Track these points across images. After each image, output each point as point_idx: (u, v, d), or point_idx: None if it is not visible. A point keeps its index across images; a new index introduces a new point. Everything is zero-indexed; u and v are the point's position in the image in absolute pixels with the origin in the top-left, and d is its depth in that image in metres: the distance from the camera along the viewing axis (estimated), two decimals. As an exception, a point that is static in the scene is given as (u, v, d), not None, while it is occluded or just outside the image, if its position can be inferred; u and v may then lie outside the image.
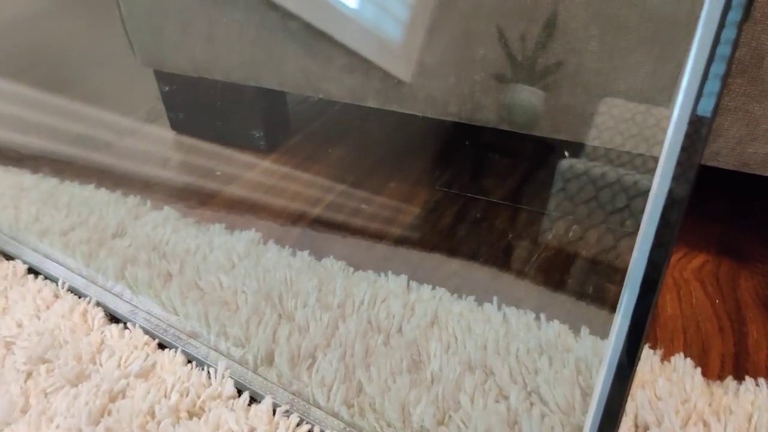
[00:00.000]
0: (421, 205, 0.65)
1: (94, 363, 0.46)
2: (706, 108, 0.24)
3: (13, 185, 0.72)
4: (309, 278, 0.53)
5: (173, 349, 0.47)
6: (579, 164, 0.60)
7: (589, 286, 0.53)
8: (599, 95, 0.49)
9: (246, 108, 0.76)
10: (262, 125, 0.77)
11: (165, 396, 0.43)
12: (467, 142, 0.76)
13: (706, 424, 0.39)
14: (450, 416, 0.40)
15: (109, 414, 0.42)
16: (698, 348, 0.46)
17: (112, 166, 0.77)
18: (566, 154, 0.59)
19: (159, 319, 0.50)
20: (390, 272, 0.53)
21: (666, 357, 0.44)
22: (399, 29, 0.56)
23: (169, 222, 0.63)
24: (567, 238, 0.59)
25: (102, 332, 0.49)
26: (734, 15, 0.23)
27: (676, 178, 0.25)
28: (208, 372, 0.44)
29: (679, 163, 0.25)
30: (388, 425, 0.40)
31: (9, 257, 0.60)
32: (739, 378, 0.42)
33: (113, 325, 0.50)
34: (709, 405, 0.40)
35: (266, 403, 0.42)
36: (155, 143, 0.83)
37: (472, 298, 0.50)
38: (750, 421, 0.39)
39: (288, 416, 0.41)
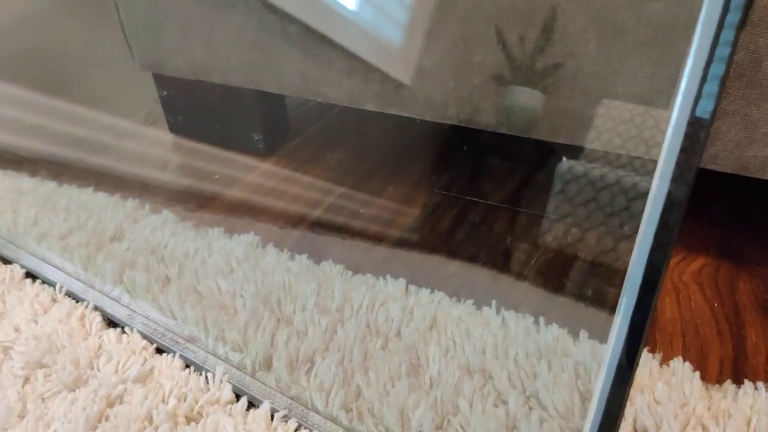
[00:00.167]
0: (419, 208, 0.65)
1: (92, 368, 0.46)
2: (705, 109, 0.24)
3: (11, 189, 0.71)
4: (307, 282, 0.53)
5: (171, 354, 0.47)
6: (578, 166, 0.59)
7: (587, 289, 0.53)
8: (597, 98, 0.49)
9: (245, 111, 0.76)
10: (261, 128, 0.77)
11: (163, 401, 0.43)
12: (466, 145, 0.76)
13: (704, 428, 0.39)
14: (449, 421, 0.40)
15: (107, 419, 0.42)
16: (697, 352, 0.46)
17: (110, 169, 0.77)
18: (564, 159, 0.59)
19: (157, 324, 0.50)
20: (389, 276, 0.53)
21: (665, 361, 0.44)
22: (398, 32, 0.56)
23: (168, 225, 0.63)
24: (566, 241, 0.59)
25: (100, 337, 0.49)
26: (733, 16, 0.23)
27: (675, 180, 0.25)
28: (206, 377, 0.44)
29: (678, 165, 0.25)
30: (387, 430, 0.40)
31: (7, 261, 0.59)
32: (738, 382, 0.42)
33: (111, 330, 0.50)
34: (708, 409, 0.40)
35: (264, 408, 0.41)
36: (154, 146, 0.83)
37: (470, 301, 0.50)
38: (749, 425, 0.39)
39: (286, 421, 0.41)
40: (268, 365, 0.45)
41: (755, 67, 0.43)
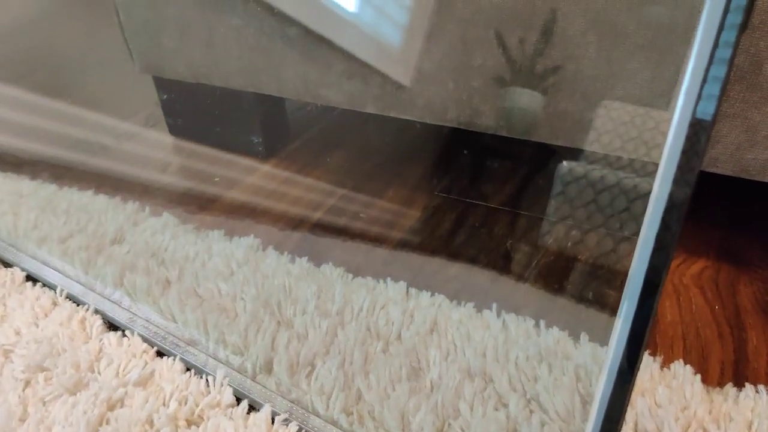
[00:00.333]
0: (420, 210, 0.65)
1: (93, 371, 0.46)
2: (706, 111, 0.24)
3: (11, 192, 0.71)
4: (308, 285, 0.53)
5: (172, 357, 0.47)
6: (578, 167, 0.59)
7: (588, 292, 0.53)
8: (597, 101, 0.49)
9: (245, 114, 0.76)
10: (261, 131, 0.77)
11: (163, 404, 0.43)
12: (466, 148, 0.76)
13: (706, 431, 0.39)
14: (449, 424, 0.40)
15: (108, 423, 0.42)
16: (698, 355, 0.46)
17: (110, 172, 0.77)
18: (564, 161, 0.59)
19: (158, 327, 0.50)
20: (389, 279, 0.53)
21: (665, 364, 0.44)
22: (398, 34, 0.56)
23: (168, 228, 0.63)
24: (566, 243, 0.59)
25: (100, 340, 0.49)
26: (734, 18, 0.23)
27: (676, 182, 0.25)
28: (207, 380, 0.44)
29: (680, 167, 0.24)
30: (388, 433, 0.40)
31: (7, 264, 0.59)
32: (739, 385, 0.42)
33: (112, 333, 0.50)
34: (709, 412, 0.40)
35: (265, 412, 0.41)
36: (154, 149, 0.83)
37: (471, 304, 0.50)
38: (750, 428, 0.39)
39: (287, 424, 0.41)
40: (268, 368, 0.45)
41: (756, 70, 0.43)
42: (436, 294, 0.51)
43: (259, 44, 0.62)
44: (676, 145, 0.24)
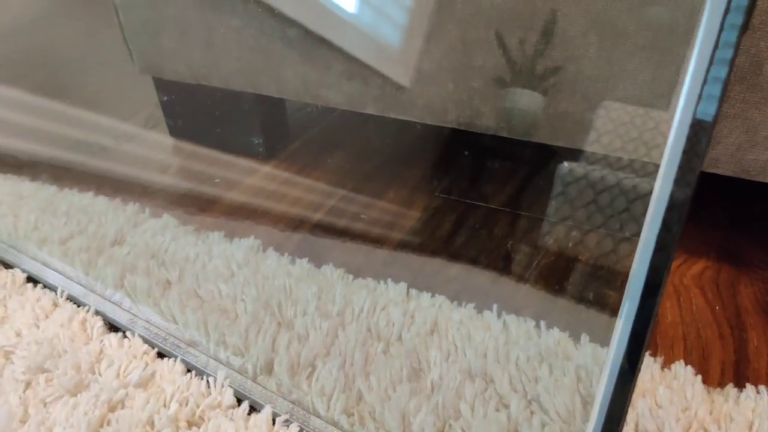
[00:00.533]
0: (420, 211, 0.65)
1: (93, 372, 0.46)
2: (707, 111, 0.24)
3: (11, 193, 0.71)
4: (308, 286, 0.53)
5: (172, 358, 0.47)
6: (578, 168, 0.60)
7: (588, 293, 0.53)
8: (597, 102, 0.49)
9: (245, 115, 0.76)
10: (261, 132, 0.77)
11: (164, 406, 0.43)
12: (466, 148, 0.76)
13: (706, 431, 0.39)
14: (450, 425, 0.40)
15: (108, 424, 0.42)
16: (699, 355, 0.46)
17: (110, 173, 0.77)
18: (564, 161, 0.59)
19: (158, 328, 0.50)
20: (389, 280, 0.53)
21: (666, 364, 0.44)
22: (398, 35, 0.56)
23: (168, 230, 0.63)
24: (567, 243, 0.59)
25: (101, 341, 0.49)
26: (734, 18, 0.23)
27: (677, 182, 0.25)
28: (208, 381, 0.44)
29: (681, 167, 0.25)
30: (388, 434, 0.40)
31: (8, 266, 0.59)
32: (740, 385, 0.42)
33: (112, 334, 0.50)
34: (710, 413, 0.40)
35: (266, 413, 0.41)
36: (154, 150, 0.83)
37: (471, 305, 0.50)
38: (751, 428, 0.39)
39: (288, 425, 0.41)
40: (269, 369, 0.45)
41: (756, 70, 0.43)
42: (437, 295, 0.51)
43: (259, 45, 0.63)
44: (677, 146, 0.24)
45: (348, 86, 0.60)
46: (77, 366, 0.46)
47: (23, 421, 0.42)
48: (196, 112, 0.80)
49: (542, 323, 0.47)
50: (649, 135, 0.51)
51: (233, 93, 0.73)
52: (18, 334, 0.50)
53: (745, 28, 0.23)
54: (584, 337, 0.46)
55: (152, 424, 0.41)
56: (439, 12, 0.52)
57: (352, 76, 0.59)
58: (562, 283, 0.54)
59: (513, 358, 0.44)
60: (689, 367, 0.43)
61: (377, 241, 0.61)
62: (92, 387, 0.44)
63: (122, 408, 0.43)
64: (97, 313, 0.52)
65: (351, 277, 0.55)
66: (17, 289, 0.56)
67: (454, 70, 0.53)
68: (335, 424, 0.41)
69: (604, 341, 0.44)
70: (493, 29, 0.50)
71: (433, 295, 0.51)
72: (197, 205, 0.69)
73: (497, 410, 0.41)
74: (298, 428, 0.41)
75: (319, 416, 0.42)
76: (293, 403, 0.43)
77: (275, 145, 0.80)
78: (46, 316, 0.52)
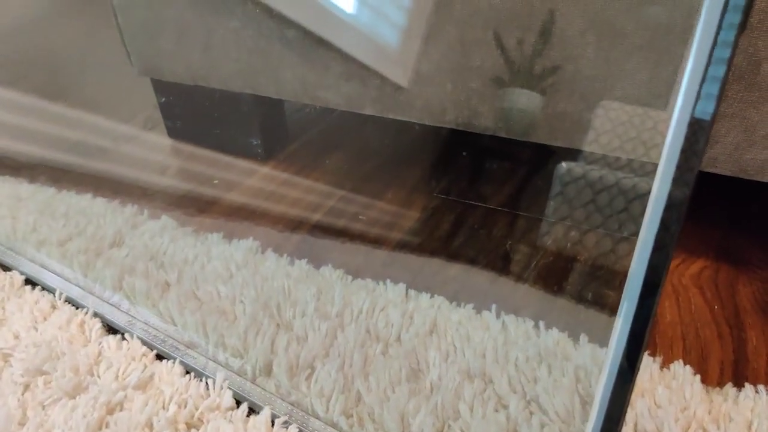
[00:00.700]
0: (419, 212, 0.65)
1: (92, 375, 0.46)
2: (705, 110, 0.24)
3: (10, 195, 0.71)
4: (307, 287, 0.53)
5: (171, 360, 0.47)
6: (577, 168, 0.60)
7: (587, 293, 0.53)
8: (596, 102, 0.49)
9: (243, 116, 0.76)
10: (260, 133, 0.77)
11: (163, 408, 0.43)
12: (465, 149, 0.76)
13: (705, 431, 0.39)
14: (449, 426, 0.40)
15: (107, 426, 0.42)
16: (697, 355, 0.46)
17: (109, 175, 0.77)
18: (563, 161, 0.59)
19: (157, 330, 0.50)
20: (388, 280, 0.53)
21: (665, 364, 0.44)
22: (396, 35, 0.56)
23: (167, 231, 0.63)
24: (565, 243, 0.59)
25: (99, 343, 0.49)
26: (733, 17, 0.23)
27: (675, 182, 0.25)
28: (207, 383, 0.44)
29: (679, 167, 0.25)
30: (388, 435, 0.40)
31: (6, 268, 0.59)
32: (739, 385, 0.42)
33: (111, 336, 0.50)
34: (709, 412, 0.40)
35: (265, 414, 0.41)
36: (153, 151, 0.83)
37: (470, 306, 0.50)
38: (750, 428, 0.39)
39: (287, 427, 0.41)
40: (268, 371, 0.45)
41: (754, 70, 0.43)
42: (436, 295, 0.51)
43: (258, 46, 0.62)
44: (675, 145, 0.24)
45: (346, 87, 0.60)
46: (76, 368, 0.46)
47: (22, 424, 0.42)
48: (195, 114, 0.80)
49: (541, 323, 0.47)
50: (647, 135, 0.51)
51: (232, 94, 0.73)
52: (16, 337, 0.50)
53: (743, 27, 0.23)
54: (583, 338, 0.46)
55: (151, 427, 0.41)
56: (437, 12, 0.52)
57: (350, 77, 0.59)
58: (561, 283, 0.54)
59: (512, 359, 0.44)
60: (688, 367, 0.43)
61: (376, 242, 0.61)
62: (91, 389, 0.44)
63: (121, 410, 0.43)
64: (95, 315, 0.52)
65: (350, 278, 0.54)
66: (15, 291, 0.56)
67: (453, 71, 0.53)
68: (334, 426, 0.41)
69: (603, 341, 0.44)
70: (491, 29, 0.50)
71: (432, 296, 0.51)
72: (196, 207, 0.69)
73: (496, 411, 0.41)
74: (297, 430, 0.41)
75: (318, 417, 0.42)
76: (292, 404, 0.43)
77: (274, 146, 0.80)
78: (45, 319, 0.52)
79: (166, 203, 0.70)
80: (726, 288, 0.52)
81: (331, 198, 0.69)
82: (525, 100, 0.52)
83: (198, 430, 0.41)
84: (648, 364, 0.43)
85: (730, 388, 0.42)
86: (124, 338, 0.49)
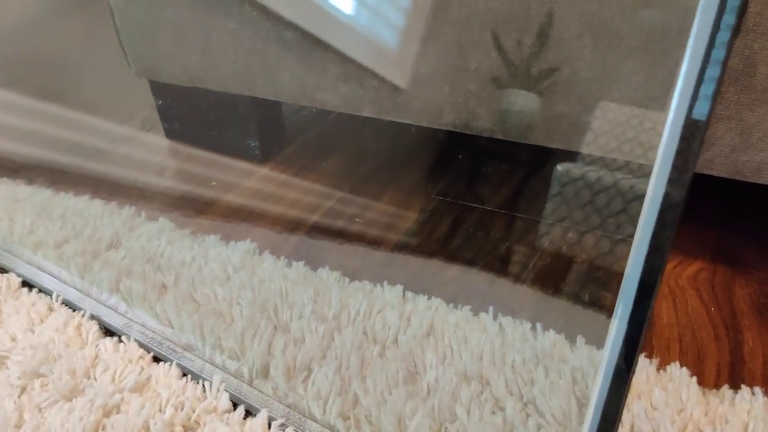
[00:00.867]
0: (416, 213, 0.65)
1: (89, 377, 0.46)
2: (701, 111, 0.24)
3: (7, 197, 0.71)
4: (304, 289, 0.53)
5: (168, 363, 0.47)
6: (575, 169, 0.60)
7: (585, 294, 0.53)
8: (593, 104, 0.49)
9: (241, 117, 0.76)
10: (258, 135, 0.77)
11: (160, 410, 0.43)
12: (462, 151, 0.76)
13: (702, 433, 0.39)
14: (446, 428, 0.40)
15: (104, 429, 0.42)
16: (694, 356, 0.46)
17: (106, 176, 0.77)
18: (561, 162, 0.59)
19: (154, 332, 0.50)
20: (386, 282, 0.53)
21: (662, 366, 0.44)
22: (394, 37, 0.56)
23: (164, 233, 0.63)
24: (563, 245, 0.59)
25: (96, 346, 0.49)
26: (727, 19, 0.23)
27: (671, 182, 0.25)
28: (204, 385, 0.44)
29: (675, 167, 0.25)
30: (384, 438, 0.40)
31: (3, 270, 0.59)
32: (735, 387, 0.42)
33: (108, 339, 0.50)
34: (705, 414, 0.40)
35: (262, 417, 0.41)
36: (150, 153, 0.83)
37: (467, 308, 0.50)
38: (746, 430, 0.39)
39: (284, 429, 0.41)
40: (265, 373, 0.45)
41: (750, 72, 0.43)
42: (433, 297, 0.51)
43: (255, 48, 0.62)
44: (670, 146, 0.25)
45: (344, 89, 0.60)
46: (72, 371, 0.46)
47: (18, 427, 0.42)
48: (193, 115, 0.80)
49: (538, 325, 0.47)
50: (645, 136, 0.51)
51: (229, 96, 0.73)
52: (13, 339, 0.50)
53: (737, 28, 0.23)
54: (580, 339, 0.46)
55: (147, 429, 0.41)
56: (434, 14, 0.52)
57: (348, 79, 0.59)
58: (558, 284, 0.54)
59: (509, 361, 0.44)
60: (684, 369, 0.43)
61: (373, 244, 0.61)
62: (87, 392, 0.44)
63: (117, 413, 0.43)
64: (92, 317, 0.52)
65: (347, 279, 0.54)
66: (12, 293, 0.56)
67: (450, 73, 0.53)
68: (331, 428, 0.41)
69: (601, 343, 0.44)
70: (488, 31, 0.50)
71: (429, 298, 0.51)
72: (193, 208, 0.69)
73: (493, 413, 0.41)
74: (294, 432, 0.41)
75: (315, 420, 0.42)
76: (289, 407, 0.43)
77: (271, 148, 0.80)
78: (41, 321, 0.52)
79: (163, 205, 0.70)
80: (723, 290, 0.52)
81: (329, 200, 0.69)
82: (522, 102, 0.52)
83: (195, 432, 0.41)
84: (645, 366, 0.44)
85: (726, 390, 0.42)
86: (121, 341, 0.49)
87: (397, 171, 0.74)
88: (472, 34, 0.51)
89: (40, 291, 0.56)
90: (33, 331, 0.51)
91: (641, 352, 0.45)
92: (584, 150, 0.54)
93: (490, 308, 0.49)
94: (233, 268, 0.56)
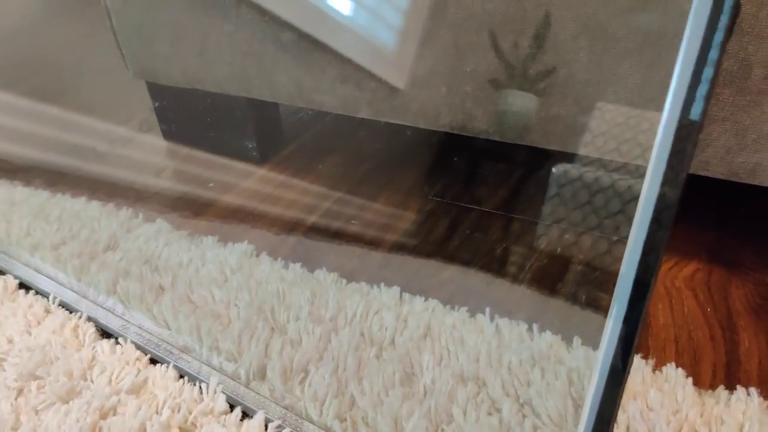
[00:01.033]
0: (414, 215, 0.65)
1: (86, 379, 0.46)
2: (695, 112, 0.24)
3: (4, 199, 0.71)
4: (301, 291, 0.53)
5: (165, 365, 0.47)
6: (573, 170, 0.60)
7: (581, 295, 0.53)
8: (589, 105, 0.49)
9: (238, 119, 0.76)
10: (255, 136, 0.77)
11: (156, 412, 0.43)
12: (459, 152, 0.76)
13: (698, 434, 0.39)
14: (442, 429, 0.40)
15: (101, 431, 0.42)
16: (690, 357, 0.46)
17: (104, 178, 0.77)
18: (559, 163, 0.59)
19: (151, 334, 0.50)
20: (383, 284, 0.53)
21: (657, 367, 0.44)
22: (391, 39, 0.56)
23: (162, 235, 0.63)
24: (560, 245, 0.59)
25: (93, 348, 0.49)
26: (722, 20, 0.23)
27: (666, 183, 0.25)
28: (200, 387, 0.44)
29: (669, 168, 0.25)
30: (381, 439, 0.40)
31: (0, 272, 0.59)
32: (731, 387, 0.42)
33: (104, 341, 0.50)
34: (701, 415, 0.40)
35: (258, 418, 0.41)
36: (148, 154, 0.83)
37: (464, 309, 0.50)
38: (741, 431, 0.39)
39: (280, 431, 0.41)
40: (262, 375, 0.45)
41: (745, 74, 0.44)
42: (430, 299, 0.51)
43: (253, 49, 0.63)
44: (665, 147, 0.25)
45: (342, 90, 0.60)
46: (69, 373, 0.46)
47: (15, 429, 0.42)
48: (190, 117, 0.80)
49: (535, 326, 0.48)
50: (643, 137, 0.51)
51: (227, 97, 0.73)
52: (10, 341, 0.50)
53: (730, 30, 0.23)
54: (576, 340, 0.46)
55: (144, 431, 0.41)
56: (432, 16, 0.52)
57: (345, 80, 0.59)
58: (555, 285, 0.54)
59: (505, 362, 0.44)
60: (680, 370, 0.43)
61: (370, 245, 0.61)
62: (84, 394, 0.44)
63: (114, 415, 0.43)
64: (89, 319, 0.52)
65: (344, 281, 0.55)
66: (9, 295, 0.56)
67: (447, 74, 0.53)
68: (328, 430, 0.41)
69: (597, 344, 0.44)
70: (485, 33, 0.50)
71: (426, 299, 0.51)
72: (191, 210, 0.69)
73: (489, 414, 0.41)
74: (291, 434, 0.41)
75: (311, 421, 0.42)
76: (286, 408, 0.43)
77: (269, 149, 0.80)
78: (38, 323, 0.52)
79: (161, 206, 0.70)
80: (718, 290, 0.53)
81: (326, 201, 0.69)
82: (519, 103, 0.52)
83: (191, 434, 0.41)
84: (640, 367, 0.44)
85: (722, 391, 0.42)
86: (117, 342, 0.49)
87: (395, 172, 0.74)
88: (469, 35, 0.51)
89: (37, 293, 0.56)
90: (30, 333, 0.51)
91: (637, 353, 0.45)
92: (581, 151, 0.54)
93: (487, 309, 0.50)
94: (230, 269, 0.56)
